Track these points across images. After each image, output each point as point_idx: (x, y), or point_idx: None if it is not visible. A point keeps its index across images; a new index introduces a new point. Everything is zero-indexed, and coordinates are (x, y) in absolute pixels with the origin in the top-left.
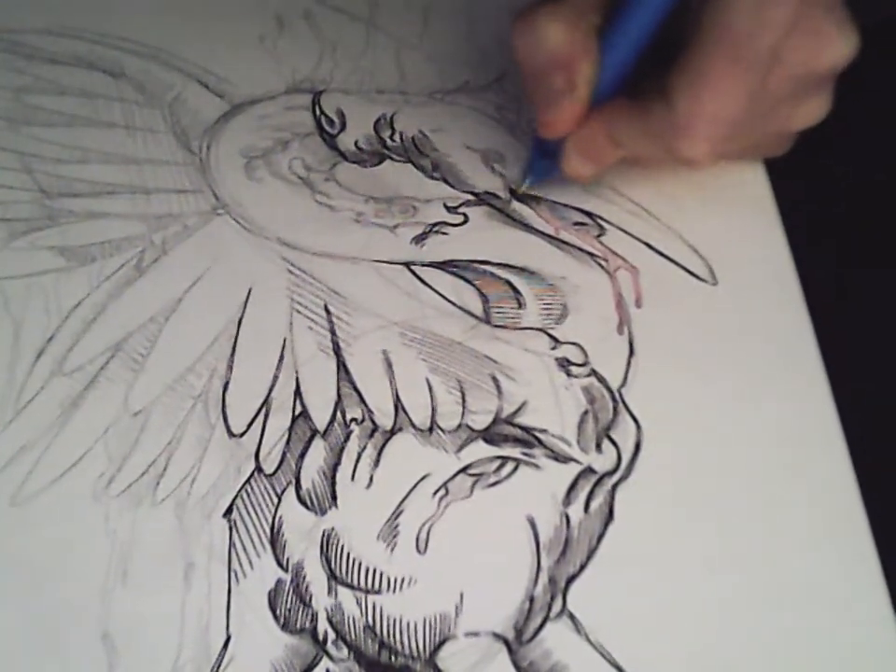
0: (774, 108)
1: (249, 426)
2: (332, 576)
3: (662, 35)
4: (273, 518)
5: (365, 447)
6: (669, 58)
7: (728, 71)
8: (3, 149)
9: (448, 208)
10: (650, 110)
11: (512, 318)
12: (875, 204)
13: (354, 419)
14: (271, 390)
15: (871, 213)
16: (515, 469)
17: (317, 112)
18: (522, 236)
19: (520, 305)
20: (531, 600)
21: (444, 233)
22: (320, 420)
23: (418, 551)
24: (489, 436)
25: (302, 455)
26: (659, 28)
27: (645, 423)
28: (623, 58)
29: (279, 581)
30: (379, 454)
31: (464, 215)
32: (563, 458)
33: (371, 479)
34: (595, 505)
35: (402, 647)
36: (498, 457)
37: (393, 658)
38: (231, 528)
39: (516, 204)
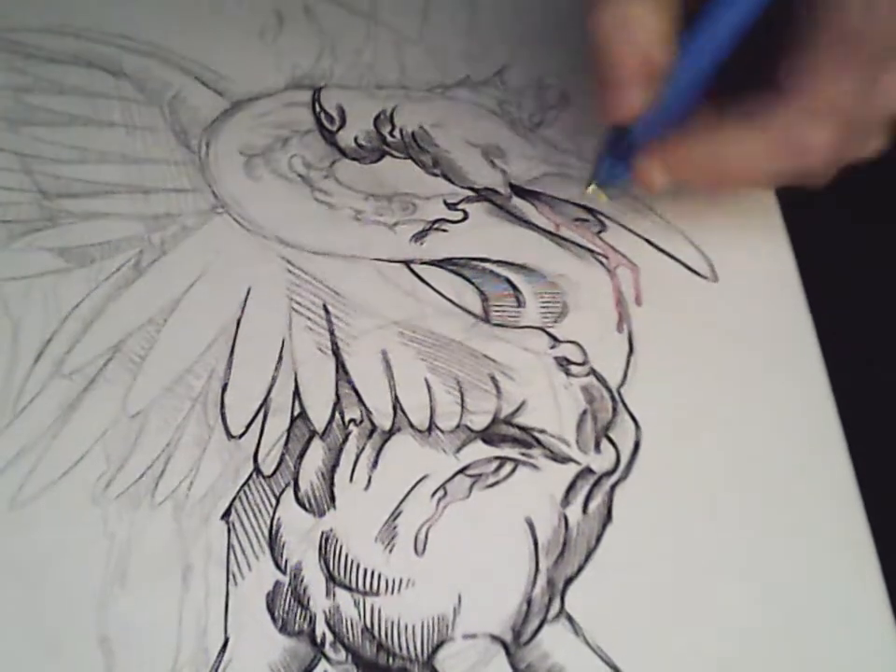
0: (889, 107)
1: (248, 427)
2: (330, 578)
3: (741, 56)
4: (272, 520)
5: (363, 448)
6: (755, 78)
7: (845, 51)
8: (2, 150)
9: (448, 205)
10: (758, 105)
11: (512, 317)
12: (876, 203)
13: (352, 420)
14: (269, 391)
15: (872, 211)
16: (514, 469)
17: (317, 108)
18: (522, 233)
19: (519, 303)
20: (529, 602)
21: (444, 230)
22: (319, 421)
23: (416, 552)
24: (488, 436)
25: (301, 457)
26: (742, 40)
27: (644, 423)
28: (702, 63)
29: (277, 583)
30: (377, 454)
31: (464, 211)
32: (561, 458)
33: (370, 480)
34: (593, 506)
35: (400, 649)
36: (497, 458)
37: (391, 660)
38: (229, 530)
39: (516, 200)
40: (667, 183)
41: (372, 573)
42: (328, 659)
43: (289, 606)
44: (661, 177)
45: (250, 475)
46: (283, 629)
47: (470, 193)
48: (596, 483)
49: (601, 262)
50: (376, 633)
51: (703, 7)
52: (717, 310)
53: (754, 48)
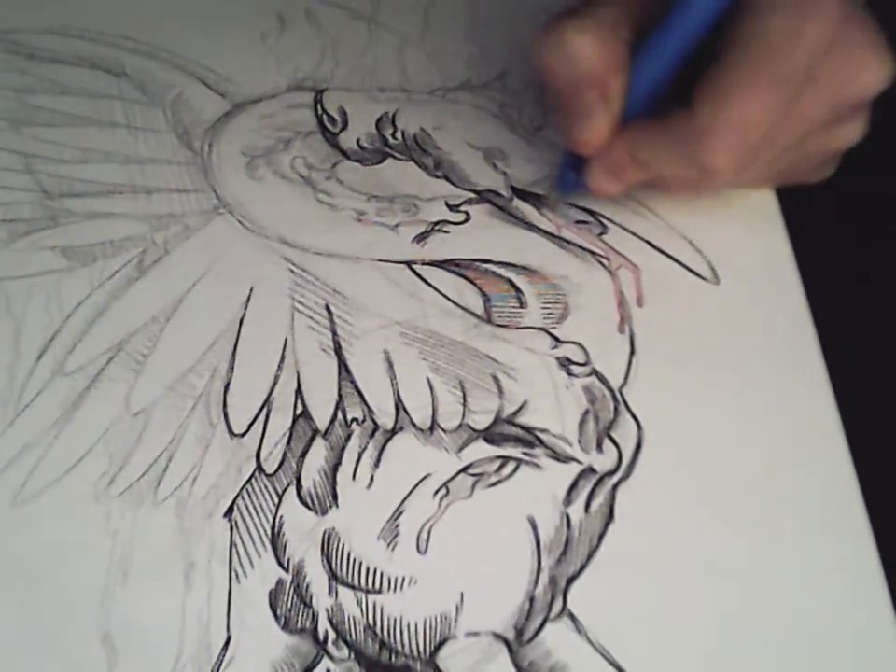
0: (808, 131)
1: (250, 425)
2: (333, 576)
3: (694, 57)
4: (274, 518)
5: (366, 447)
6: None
7: (758, 84)
8: (5, 150)
9: (450, 206)
10: (672, 122)
11: (514, 317)
12: (876, 204)
13: (355, 419)
14: (272, 390)
15: (872, 212)
16: (516, 468)
17: (319, 110)
18: (523, 234)
19: (521, 304)
20: (531, 600)
21: (446, 232)
22: (321, 420)
23: (419, 551)
24: (490, 436)
25: (303, 455)
26: (694, 48)
27: (646, 422)
28: (656, 76)
29: (280, 581)
30: (380, 453)
31: (465, 213)
32: (563, 458)
33: (372, 479)
34: (595, 505)
35: (403, 647)
36: (499, 457)
37: (393, 658)
38: (231, 528)
39: (518, 202)
40: (619, 189)
41: (375, 571)
42: (330, 657)
43: (292, 603)
44: (610, 186)
45: (253, 473)
46: (285, 627)
47: (472, 195)
48: (598, 483)
49: (602, 264)
50: (379, 631)
51: (649, 36)
52: (718, 311)
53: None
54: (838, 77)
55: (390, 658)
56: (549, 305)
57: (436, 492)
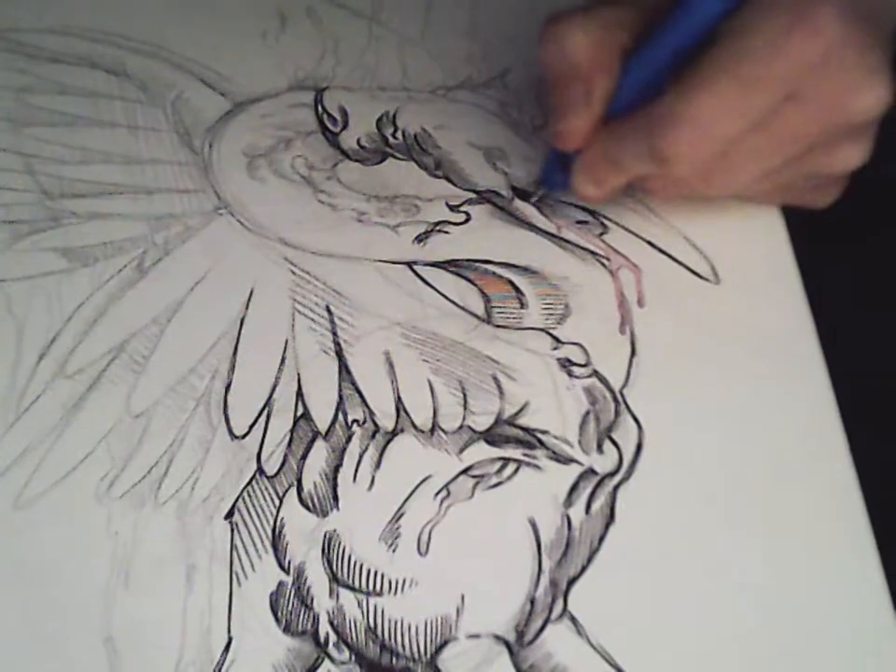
0: (802, 150)
1: (251, 427)
2: (334, 578)
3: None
4: (275, 520)
5: (366, 448)
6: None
7: (728, 84)
8: (5, 151)
9: (450, 207)
10: (638, 114)
11: (514, 318)
12: (877, 203)
13: (355, 420)
14: (272, 392)
15: (873, 212)
16: (517, 470)
17: (320, 110)
18: (524, 235)
19: (522, 305)
20: (532, 602)
21: (446, 232)
22: (322, 421)
23: (419, 552)
24: (491, 437)
25: (304, 457)
26: (683, 58)
27: (647, 424)
28: (643, 82)
29: (281, 584)
30: (380, 455)
31: (466, 213)
32: (564, 459)
33: (373, 480)
34: (596, 506)
35: (403, 649)
36: (500, 459)
37: (394, 660)
38: (232, 530)
39: (518, 202)
40: (599, 194)
41: (376, 573)
42: (331, 659)
43: (293, 606)
44: (590, 190)
45: (253, 475)
46: (286, 629)
47: (473, 195)
48: (599, 484)
49: (603, 264)
50: (379, 633)
51: (642, 43)
52: (719, 311)
53: None
54: (826, 96)
55: (391, 660)
56: (549, 306)
57: (437, 493)
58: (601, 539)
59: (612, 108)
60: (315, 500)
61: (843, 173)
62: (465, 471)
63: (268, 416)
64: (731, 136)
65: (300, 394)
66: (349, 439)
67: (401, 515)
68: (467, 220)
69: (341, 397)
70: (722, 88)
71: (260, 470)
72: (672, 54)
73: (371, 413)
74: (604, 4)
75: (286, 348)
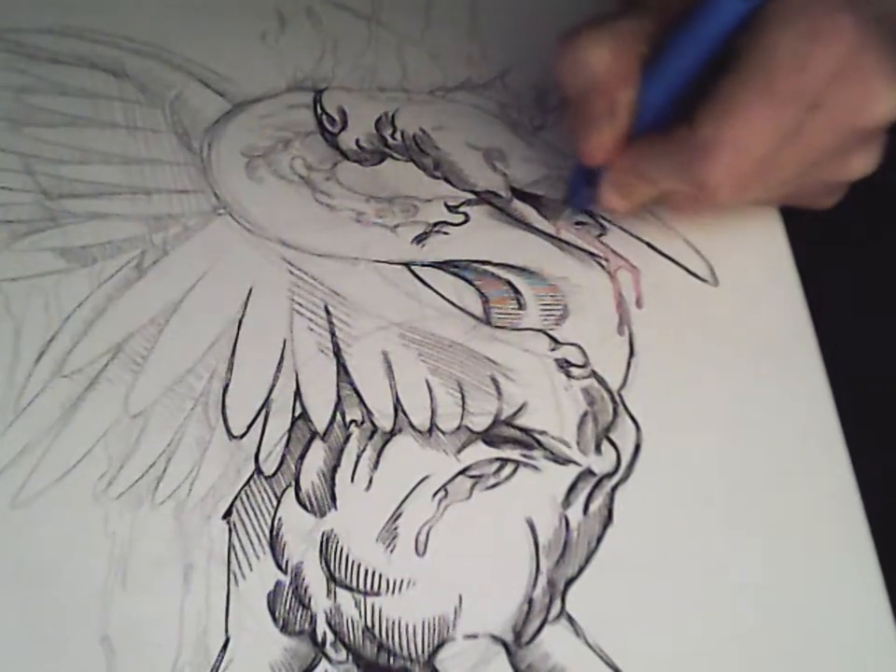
0: (817, 159)
1: (249, 427)
2: (331, 578)
3: (707, 73)
4: (273, 520)
5: (364, 449)
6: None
7: (761, 103)
8: (4, 151)
9: (449, 207)
10: (674, 136)
11: (513, 319)
12: (877, 204)
13: (353, 420)
14: (271, 391)
15: (872, 213)
16: (515, 470)
17: (319, 111)
18: (523, 235)
19: (520, 306)
20: (530, 602)
21: (445, 233)
22: (320, 421)
23: (417, 553)
24: (489, 437)
25: (302, 457)
26: (705, 65)
27: (645, 424)
28: (666, 92)
29: (278, 583)
30: (378, 455)
31: (465, 214)
32: (562, 460)
33: (371, 480)
34: (594, 507)
35: (401, 649)
36: (498, 459)
37: (392, 660)
38: (230, 530)
39: (517, 203)
40: (628, 207)
41: (373, 573)
42: (328, 659)
43: (290, 606)
44: (619, 203)
45: (251, 475)
46: (284, 629)
47: (471, 196)
48: (597, 485)
49: (601, 265)
50: (377, 633)
51: (662, 51)
52: (717, 313)
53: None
54: (846, 103)
55: (388, 660)
56: (548, 307)
57: (434, 494)
58: (599, 539)
59: (637, 119)
60: (313, 500)
61: (856, 178)
62: (463, 472)
63: (266, 416)
64: (767, 154)
65: (298, 394)
66: (347, 439)
67: (399, 515)
68: (465, 221)
69: (339, 397)
70: (755, 108)
71: (258, 470)
72: (693, 60)
73: (370, 413)
74: (616, 15)
75: (284, 348)
